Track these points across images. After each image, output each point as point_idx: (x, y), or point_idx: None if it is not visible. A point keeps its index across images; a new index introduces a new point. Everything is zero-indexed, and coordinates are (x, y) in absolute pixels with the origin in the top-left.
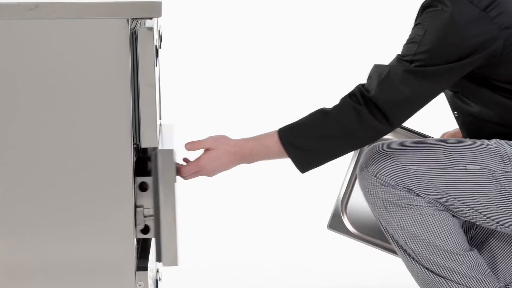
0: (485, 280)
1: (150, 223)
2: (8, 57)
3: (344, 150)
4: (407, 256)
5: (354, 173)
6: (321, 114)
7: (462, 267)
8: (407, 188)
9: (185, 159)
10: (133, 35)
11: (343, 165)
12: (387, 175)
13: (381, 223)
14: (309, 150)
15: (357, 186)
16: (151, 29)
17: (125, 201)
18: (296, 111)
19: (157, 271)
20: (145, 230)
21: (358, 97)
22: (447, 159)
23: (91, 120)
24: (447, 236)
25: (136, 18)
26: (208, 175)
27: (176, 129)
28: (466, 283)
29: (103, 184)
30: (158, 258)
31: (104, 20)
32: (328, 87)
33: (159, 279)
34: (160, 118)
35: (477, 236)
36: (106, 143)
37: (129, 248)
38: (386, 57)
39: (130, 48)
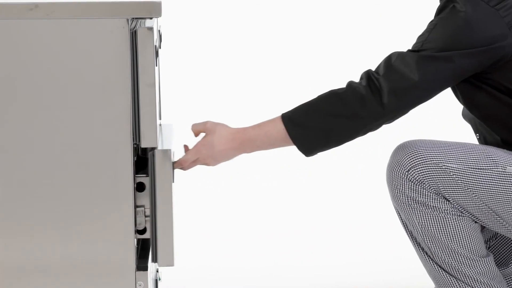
0: (495, 286)
1: (147, 223)
2: (8, 57)
3: (347, 131)
4: (423, 252)
5: None
6: (325, 93)
7: (474, 272)
8: (437, 190)
9: (185, 146)
10: (133, 35)
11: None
12: (421, 172)
13: (401, 217)
14: (311, 128)
15: None
16: (151, 29)
17: (125, 201)
18: None
19: (157, 271)
20: (142, 230)
21: (364, 78)
22: (486, 160)
23: (91, 120)
24: (466, 242)
25: (136, 18)
26: (208, 164)
27: (176, 130)
28: (476, 287)
29: (103, 184)
30: (154, 259)
31: (104, 20)
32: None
33: (159, 279)
34: (160, 118)
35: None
36: (106, 143)
37: (129, 248)
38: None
39: (130, 48)
